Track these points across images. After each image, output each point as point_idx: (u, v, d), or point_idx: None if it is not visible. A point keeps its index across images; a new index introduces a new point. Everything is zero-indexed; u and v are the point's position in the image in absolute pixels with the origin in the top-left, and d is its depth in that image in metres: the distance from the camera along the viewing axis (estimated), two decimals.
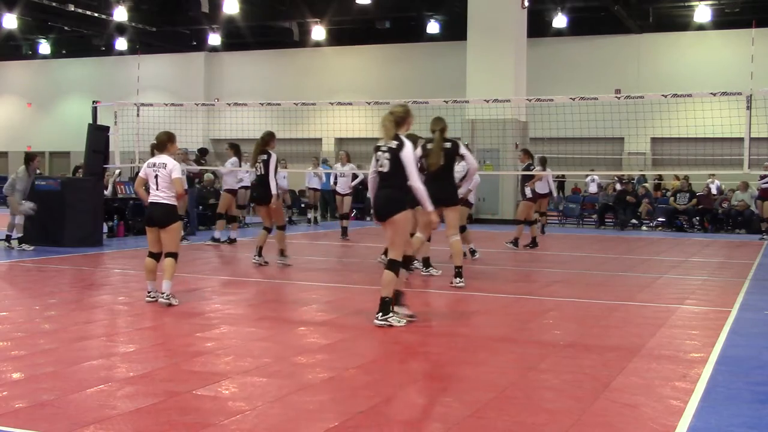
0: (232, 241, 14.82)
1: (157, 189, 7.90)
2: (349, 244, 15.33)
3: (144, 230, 8.37)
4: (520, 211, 15.05)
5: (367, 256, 13.46)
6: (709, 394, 4.99)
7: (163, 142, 8.05)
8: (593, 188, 24.26)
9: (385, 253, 11.64)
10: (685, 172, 22.43)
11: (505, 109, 18.17)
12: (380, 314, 6.89)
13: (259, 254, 11.46)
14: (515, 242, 14.56)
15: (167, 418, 4.36)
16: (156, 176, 7.90)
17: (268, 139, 11.35)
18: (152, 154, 8.35)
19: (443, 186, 9.06)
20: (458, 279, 9.34)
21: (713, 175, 22.34)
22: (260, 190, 11.39)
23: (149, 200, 7.97)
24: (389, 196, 6.94)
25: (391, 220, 6.90)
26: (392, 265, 6.92)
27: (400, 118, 6.99)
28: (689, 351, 6.32)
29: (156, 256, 7.97)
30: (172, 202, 7.94)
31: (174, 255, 7.91)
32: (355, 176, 16.70)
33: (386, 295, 6.88)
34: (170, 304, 7.78)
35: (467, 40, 22.16)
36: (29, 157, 13.61)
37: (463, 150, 9.43)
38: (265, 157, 11.21)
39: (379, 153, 6.98)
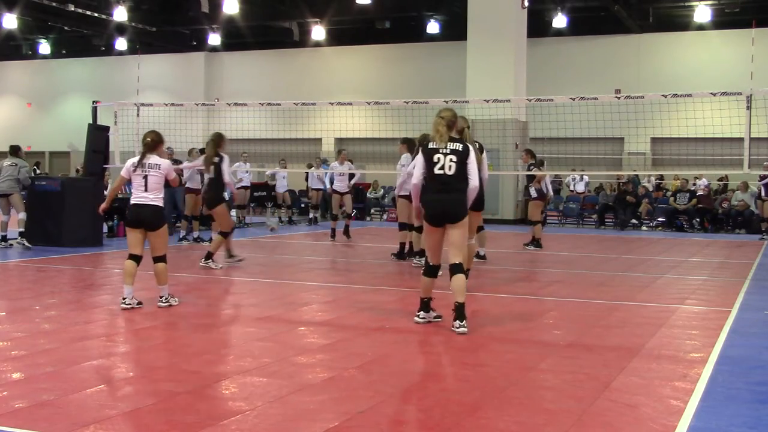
0: (195, 240, 14.58)
1: (145, 190, 7.68)
2: (349, 244, 15.32)
3: None
4: (530, 212, 15.05)
5: (366, 255, 13.46)
6: (709, 394, 4.99)
7: (156, 143, 7.89)
8: (581, 187, 24.18)
9: (403, 253, 11.66)
10: (685, 172, 22.44)
11: (505, 109, 18.17)
12: (462, 321, 6.70)
13: (230, 256, 11.28)
14: (537, 243, 14.57)
15: (167, 418, 4.36)
16: (146, 177, 7.70)
17: (219, 140, 10.98)
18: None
19: None
20: None
21: (721, 178, 22.38)
22: (211, 194, 11.00)
23: (134, 202, 7.73)
24: (459, 200, 6.93)
25: (461, 222, 6.93)
26: (461, 269, 6.88)
27: (451, 122, 7.02)
28: (689, 351, 6.32)
29: (138, 259, 7.72)
30: (160, 203, 7.79)
31: (163, 258, 7.75)
32: (351, 176, 16.68)
33: (462, 301, 6.78)
34: (170, 305, 7.77)
35: (467, 40, 22.16)
36: (17, 148, 13.60)
37: (483, 156, 9.29)
38: (216, 160, 10.83)
39: (438, 155, 6.90)
